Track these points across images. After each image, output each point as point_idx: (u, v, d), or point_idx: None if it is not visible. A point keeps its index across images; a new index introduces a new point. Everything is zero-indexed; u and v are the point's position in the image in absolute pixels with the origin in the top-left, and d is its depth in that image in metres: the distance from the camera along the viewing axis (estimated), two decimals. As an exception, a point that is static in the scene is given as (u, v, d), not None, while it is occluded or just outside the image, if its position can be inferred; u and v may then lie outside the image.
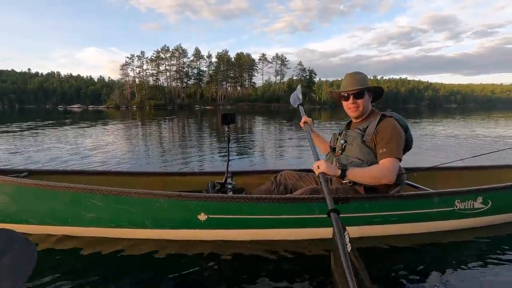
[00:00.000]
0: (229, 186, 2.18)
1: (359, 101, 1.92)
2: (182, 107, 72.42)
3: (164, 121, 18.28)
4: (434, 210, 2.00)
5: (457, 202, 2.02)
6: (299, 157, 5.55)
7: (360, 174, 1.78)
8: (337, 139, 2.06)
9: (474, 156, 2.58)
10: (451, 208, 2.03)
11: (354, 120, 2.05)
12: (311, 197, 1.86)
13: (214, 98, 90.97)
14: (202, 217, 1.84)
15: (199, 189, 2.41)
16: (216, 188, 2.20)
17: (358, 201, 1.88)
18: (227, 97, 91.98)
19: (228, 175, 2.43)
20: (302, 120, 2.30)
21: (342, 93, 1.96)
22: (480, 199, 2.06)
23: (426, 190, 2.16)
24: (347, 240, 1.31)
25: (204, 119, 20.51)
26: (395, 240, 1.99)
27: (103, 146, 6.89)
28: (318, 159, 1.82)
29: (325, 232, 1.93)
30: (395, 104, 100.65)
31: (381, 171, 1.75)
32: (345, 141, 1.97)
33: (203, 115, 27.76)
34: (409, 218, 1.99)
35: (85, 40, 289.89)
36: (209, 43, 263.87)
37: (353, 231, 1.95)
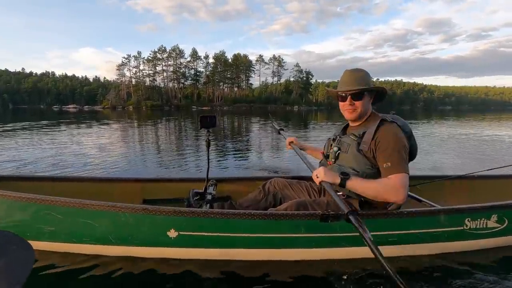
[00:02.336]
0: (209, 197, 1.96)
1: (357, 103, 1.65)
2: (179, 108, 72.22)
3: (160, 123, 18.04)
4: (440, 230, 1.75)
5: (468, 220, 1.77)
6: (293, 162, 5.26)
7: (361, 186, 1.52)
8: (331, 145, 1.83)
9: (489, 170, 2.33)
10: (460, 228, 1.77)
11: (350, 124, 1.81)
12: (296, 214, 1.63)
13: (211, 99, 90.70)
14: (172, 233, 1.62)
15: (181, 197, 2.22)
16: (195, 198, 1.97)
17: None
18: (224, 98, 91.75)
19: (211, 183, 2.22)
20: (287, 142, 2.24)
21: (339, 93, 1.69)
22: (494, 217, 1.79)
23: (431, 204, 1.92)
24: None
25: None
26: (394, 264, 1.72)
27: (87, 148, 6.65)
28: (314, 168, 1.63)
29: (311, 254, 1.74)
30: (391, 106, 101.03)
31: (387, 189, 1.50)
32: (339, 149, 1.73)
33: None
34: (410, 239, 1.75)
35: (80, 40, 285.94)
36: (206, 44, 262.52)
37: (346, 252, 1.75)
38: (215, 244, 1.67)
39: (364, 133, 1.65)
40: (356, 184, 1.51)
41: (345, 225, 1.67)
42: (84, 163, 4.93)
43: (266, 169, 4.83)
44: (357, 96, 1.65)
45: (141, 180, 2.38)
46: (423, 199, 2.01)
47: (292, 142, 2.21)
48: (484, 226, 1.78)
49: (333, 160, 1.75)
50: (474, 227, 1.76)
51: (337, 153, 1.73)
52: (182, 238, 1.63)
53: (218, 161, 5.41)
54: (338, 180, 1.50)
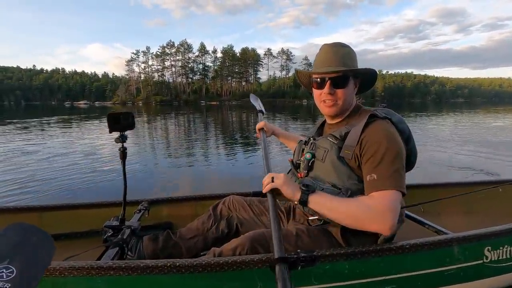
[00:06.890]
0: (127, 231, 1.30)
1: (340, 92, 1.16)
2: (187, 103, 72.37)
3: (169, 117, 17.73)
4: (454, 267, 1.25)
5: (487, 250, 1.30)
6: (258, 170, 4.21)
7: (331, 206, 1.05)
8: (303, 150, 1.30)
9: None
10: (478, 262, 1.29)
11: (328, 121, 1.29)
12: (247, 260, 1.06)
13: (219, 94, 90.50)
14: None
15: (97, 229, 1.55)
16: (106, 235, 1.31)
17: (332, 261, 1.10)
18: (232, 92, 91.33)
19: (141, 207, 1.60)
20: (257, 127, 1.71)
21: (313, 77, 1.20)
22: None
23: (439, 230, 1.40)
24: None
25: (208, 116, 19.73)
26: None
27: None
28: (270, 171, 1.23)
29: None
30: (401, 99, 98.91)
31: (368, 212, 1.01)
32: (313, 155, 1.21)
33: (208, 111, 27.06)
34: (415, 284, 1.23)
35: (89, 36, 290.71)
36: (213, 38, 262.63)
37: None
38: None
39: (347, 133, 1.15)
40: (322, 202, 1.07)
41: (323, 271, 1.12)
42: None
43: (221, 183, 3.83)
44: (339, 81, 1.14)
45: (38, 209, 1.72)
46: (428, 222, 1.49)
47: (262, 128, 1.68)
48: (508, 256, 1.34)
49: (305, 171, 1.23)
50: (495, 258, 1.33)
51: (311, 161, 1.21)
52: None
53: (158, 171, 4.37)
54: (298, 195, 1.08)
